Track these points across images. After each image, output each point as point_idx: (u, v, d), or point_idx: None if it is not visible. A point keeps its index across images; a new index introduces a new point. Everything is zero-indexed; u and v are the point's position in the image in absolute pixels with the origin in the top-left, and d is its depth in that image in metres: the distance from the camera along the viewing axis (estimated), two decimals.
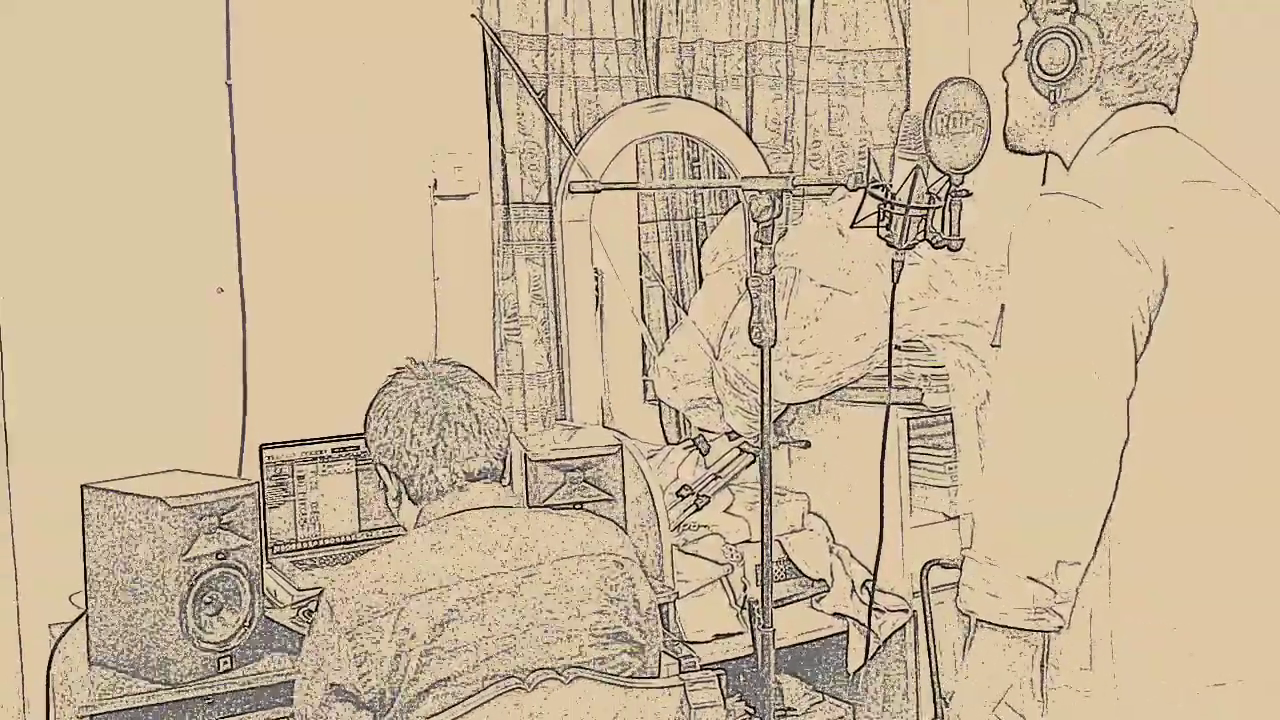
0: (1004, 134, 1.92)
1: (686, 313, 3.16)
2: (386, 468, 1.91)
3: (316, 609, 1.81)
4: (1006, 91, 1.91)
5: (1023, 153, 1.91)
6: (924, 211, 2.04)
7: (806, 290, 2.86)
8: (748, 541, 2.84)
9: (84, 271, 2.55)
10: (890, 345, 2.32)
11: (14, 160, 2.49)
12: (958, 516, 2.95)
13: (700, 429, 3.10)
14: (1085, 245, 1.70)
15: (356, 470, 2.62)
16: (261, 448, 2.55)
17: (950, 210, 2.04)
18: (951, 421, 2.88)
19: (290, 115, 2.71)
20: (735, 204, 3.19)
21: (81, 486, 2.26)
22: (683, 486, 2.91)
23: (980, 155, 2.02)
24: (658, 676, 1.91)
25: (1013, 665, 1.73)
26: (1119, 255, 1.68)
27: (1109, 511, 1.70)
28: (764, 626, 2.15)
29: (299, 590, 2.41)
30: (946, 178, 2.02)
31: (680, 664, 2.47)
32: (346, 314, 2.77)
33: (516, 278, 2.96)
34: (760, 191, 2.11)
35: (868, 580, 2.84)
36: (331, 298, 2.76)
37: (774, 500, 2.17)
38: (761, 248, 2.10)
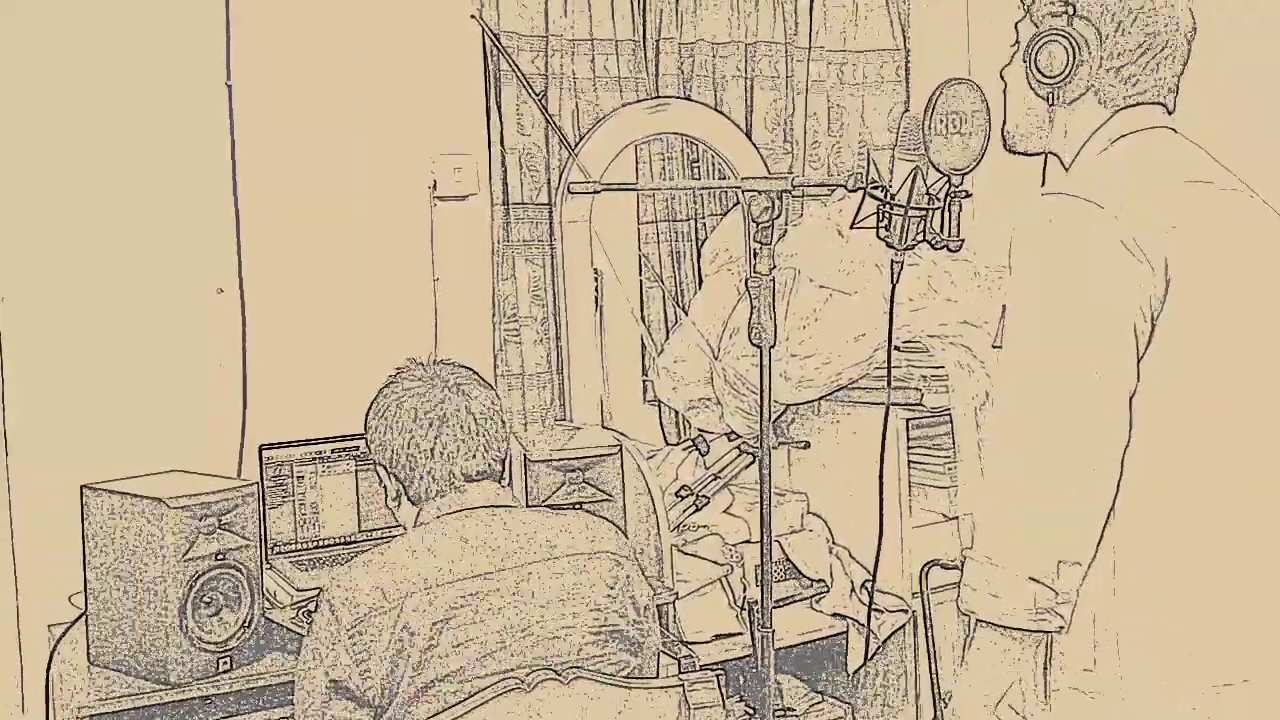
0: (1003, 136, 1.93)
1: (686, 313, 3.16)
2: (385, 468, 1.92)
3: (316, 608, 1.81)
4: (1005, 92, 1.91)
5: (1022, 154, 1.91)
6: (923, 212, 2.04)
7: (806, 291, 2.86)
8: (747, 542, 2.84)
9: (84, 272, 2.55)
10: (890, 346, 2.31)
11: (14, 161, 2.49)
12: (957, 517, 2.95)
13: (700, 429, 3.10)
14: (1088, 245, 1.70)
15: (356, 471, 2.62)
16: (261, 448, 2.55)
17: (949, 211, 2.04)
18: (951, 422, 2.88)
19: (290, 116, 2.71)
20: (735, 205, 3.19)
21: (81, 487, 2.26)
22: (682, 487, 2.91)
23: (980, 156, 2.01)
24: (656, 676, 1.91)
25: (1013, 666, 1.73)
26: (1121, 255, 1.68)
27: (1111, 512, 1.70)
28: (763, 627, 2.15)
29: (298, 591, 2.41)
30: (946, 178, 2.02)
31: (680, 664, 2.48)
32: (346, 315, 2.77)
33: (516, 278, 2.96)
34: (760, 192, 2.11)
35: (867, 580, 2.84)
36: (331, 298, 2.77)
37: (773, 501, 2.17)
38: (761, 248, 2.10)
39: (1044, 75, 1.82)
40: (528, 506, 2.46)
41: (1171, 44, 1.80)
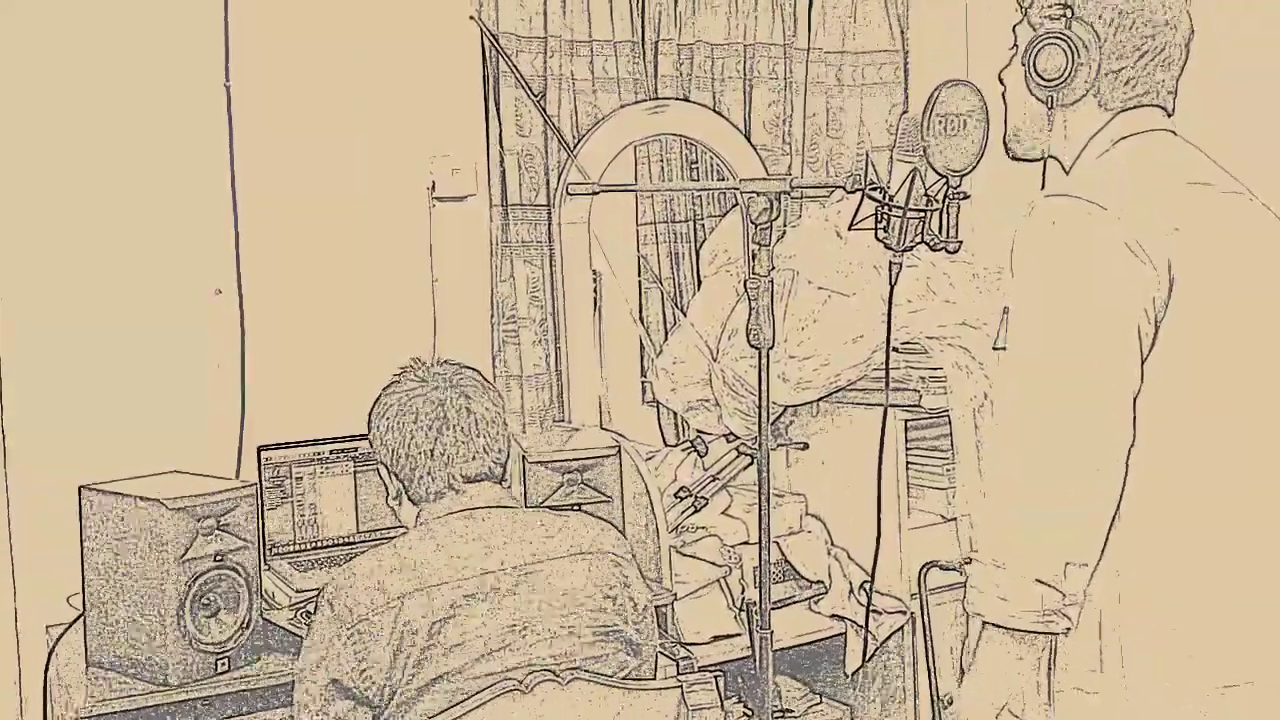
0: (1004, 143, 1.93)
1: (685, 315, 3.16)
2: (387, 467, 1.92)
3: (316, 607, 1.82)
4: (1004, 95, 1.91)
5: (1023, 160, 1.91)
6: (922, 214, 2.04)
7: (804, 292, 2.86)
8: (746, 543, 2.84)
9: (82, 273, 2.55)
10: (888, 347, 2.31)
11: (13, 161, 2.49)
12: (955, 518, 2.95)
13: (698, 431, 3.10)
14: (1091, 247, 1.70)
15: (355, 472, 2.62)
16: (260, 449, 2.55)
17: (948, 212, 2.04)
18: (949, 423, 2.88)
19: (289, 117, 2.71)
20: (733, 206, 3.19)
21: (80, 488, 2.26)
22: (681, 488, 2.91)
23: (978, 157, 2.01)
24: (655, 678, 1.91)
25: (1019, 669, 1.73)
26: (1124, 256, 1.68)
27: (1116, 513, 1.70)
28: (762, 628, 2.15)
29: (297, 592, 2.41)
30: (944, 180, 2.02)
31: (678, 665, 2.48)
32: (345, 316, 2.77)
33: (515, 279, 2.96)
34: (758, 193, 2.11)
35: (865, 582, 2.84)
36: (330, 299, 2.77)
37: (772, 502, 2.17)
38: (759, 250, 2.10)
39: (1043, 79, 1.82)
40: (527, 508, 2.47)
41: (1170, 46, 1.80)
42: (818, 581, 2.86)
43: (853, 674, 2.89)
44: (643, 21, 3.11)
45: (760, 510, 2.15)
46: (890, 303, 2.16)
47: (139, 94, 2.57)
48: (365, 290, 2.80)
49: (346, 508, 2.61)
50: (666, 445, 3.20)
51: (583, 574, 1.84)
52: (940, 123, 1.98)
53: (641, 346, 3.23)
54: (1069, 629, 1.70)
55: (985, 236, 2.60)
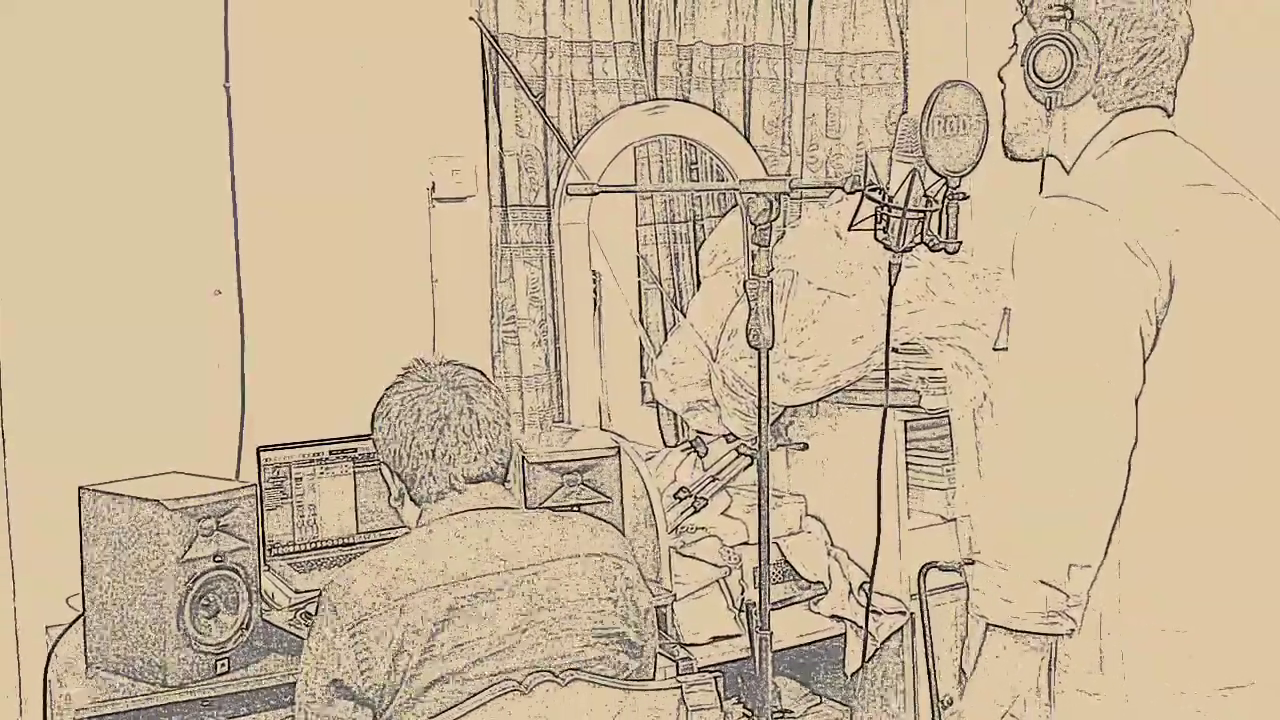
0: (1003, 143, 1.93)
1: (684, 315, 3.16)
2: (389, 468, 1.92)
3: (317, 608, 1.82)
4: (1003, 94, 1.91)
5: (1021, 159, 1.91)
6: (921, 214, 2.04)
7: (804, 293, 2.86)
8: (745, 544, 2.84)
9: (82, 273, 2.55)
10: (887, 348, 2.31)
11: (13, 162, 2.49)
12: (955, 519, 2.95)
13: (698, 431, 3.10)
14: (1092, 248, 1.70)
15: (354, 472, 2.61)
16: (259, 450, 2.55)
17: (947, 213, 2.04)
18: (949, 424, 2.88)
19: (288, 118, 2.71)
20: (733, 206, 3.19)
21: (79, 488, 2.26)
22: (680, 489, 2.91)
23: (977, 158, 2.01)
24: (654, 678, 1.91)
25: (1023, 670, 1.73)
26: (1125, 257, 1.68)
27: (1119, 514, 1.70)
28: (761, 629, 2.15)
29: (296, 592, 2.41)
30: (943, 180, 2.02)
31: (678, 666, 2.48)
32: (344, 316, 2.77)
33: (514, 280, 2.96)
34: (758, 194, 2.11)
35: (865, 582, 2.84)
36: (329, 300, 2.76)
37: (771, 502, 2.17)
38: (759, 250, 2.10)
39: (1042, 80, 1.82)
40: (529, 509, 2.47)
41: (1169, 48, 1.80)
42: (817, 582, 2.86)
43: (852, 674, 2.89)
44: (642, 22, 3.11)
45: (760, 511, 2.15)
46: (890, 303, 2.16)
47: (139, 95, 2.57)
48: (365, 291, 2.80)
49: (346, 508, 2.61)
50: (666, 446, 3.20)
51: (585, 576, 1.84)
52: (939, 123, 1.98)
53: (641, 347, 3.23)
54: (1072, 630, 1.70)
55: (985, 237, 2.60)
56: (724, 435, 3.06)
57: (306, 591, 2.41)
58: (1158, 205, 1.73)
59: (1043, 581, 1.68)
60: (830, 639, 2.86)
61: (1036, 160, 1.90)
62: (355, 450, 2.61)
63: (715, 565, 2.77)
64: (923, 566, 2.48)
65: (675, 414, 3.18)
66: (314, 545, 2.58)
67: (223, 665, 2.22)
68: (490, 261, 2.95)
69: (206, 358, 2.66)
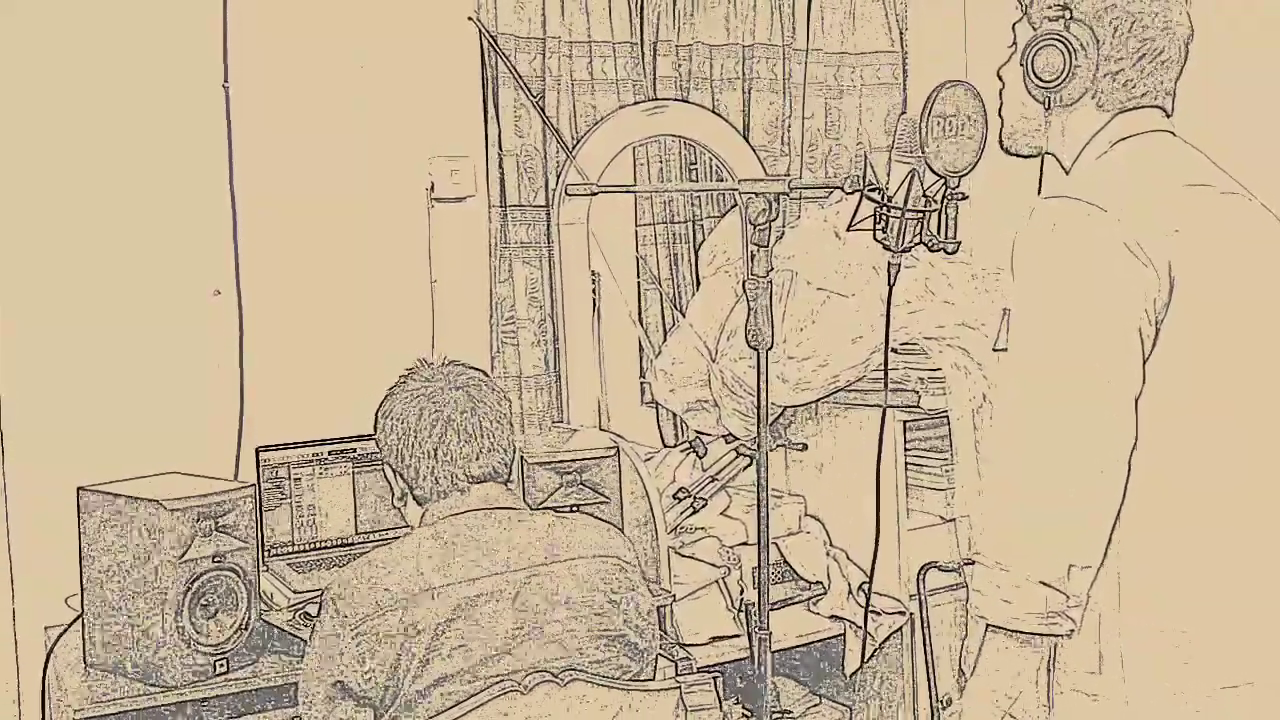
0: (1000, 137, 1.93)
1: (683, 315, 3.16)
2: (392, 468, 1.92)
3: (320, 607, 1.82)
4: (1001, 92, 1.91)
5: (1017, 155, 1.91)
6: (920, 214, 2.04)
7: (803, 293, 2.86)
8: (745, 544, 2.84)
9: (81, 273, 2.55)
10: (887, 348, 2.31)
11: (12, 162, 2.49)
12: (954, 519, 2.95)
13: (697, 431, 3.10)
14: (1091, 248, 1.70)
15: (353, 473, 2.61)
16: (258, 450, 2.55)
17: (946, 213, 2.04)
18: (948, 424, 2.88)
19: (287, 118, 2.71)
20: (732, 206, 3.19)
21: (78, 489, 2.26)
22: (679, 489, 2.91)
23: (976, 158, 2.01)
24: (654, 679, 1.91)
25: (1023, 671, 1.73)
26: (1125, 258, 1.68)
27: (1118, 514, 1.70)
28: (760, 629, 2.15)
29: (295, 593, 2.41)
30: (942, 181, 2.02)
31: (677, 666, 2.47)
32: (344, 317, 2.77)
33: (514, 280, 2.96)
34: (757, 194, 2.11)
35: (864, 583, 2.84)
36: (329, 300, 2.76)
37: (771, 503, 2.17)
38: (758, 250, 2.10)
39: (1041, 80, 1.82)
40: (532, 509, 2.47)
41: (1168, 48, 1.80)
42: (816, 582, 2.86)
43: (852, 675, 2.89)
44: (641, 22, 3.11)
45: (759, 511, 2.15)
46: (889, 303, 2.16)
47: (138, 95, 2.57)
48: (364, 291, 2.80)
49: (345, 509, 2.61)
50: (665, 446, 3.20)
51: (587, 577, 1.84)
52: (939, 123, 1.98)
53: (640, 347, 3.23)
54: (1072, 631, 1.70)
55: (984, 237, 2.60)
56: (723, 436, 3.06)
57: (305, 592, 2.41)
58: (1157, 205, 1.73)
59: (1042, 582, 1.68)
60: (830, 639, 2.86)
61: (1033, 156, 1.90)
62: (354, 450, 2.61)
63: (714, 565, 2.77)
64: (922, 567, 2.48)
65: (674, 414, 3.17)
66: (313, 546, 2.58)
67: (221, 666, 2.22)
68: (489, 262, 2.95)
69: (206, 358, 2.66)
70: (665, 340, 3.18)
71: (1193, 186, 1.77)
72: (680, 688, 1.85)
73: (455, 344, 2.86)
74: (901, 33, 3.44)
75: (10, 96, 2.49)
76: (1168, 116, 1.84)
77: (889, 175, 2.04)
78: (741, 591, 2.77)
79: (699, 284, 3.16)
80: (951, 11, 3.46)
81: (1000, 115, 1.92)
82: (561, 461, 2.53)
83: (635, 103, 3.08)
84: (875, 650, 2.84)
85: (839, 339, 2.82)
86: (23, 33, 2.50)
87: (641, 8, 3.10)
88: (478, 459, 1.89)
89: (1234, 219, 1.78)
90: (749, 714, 2.88)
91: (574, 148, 2.99)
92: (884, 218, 2.05)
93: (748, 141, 3.21)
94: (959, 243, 2.06)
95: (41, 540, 2.43)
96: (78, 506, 2.25)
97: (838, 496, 2.94)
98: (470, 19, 2.89)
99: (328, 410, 2.55)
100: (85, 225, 2.55)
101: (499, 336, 2.96)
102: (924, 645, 2.53)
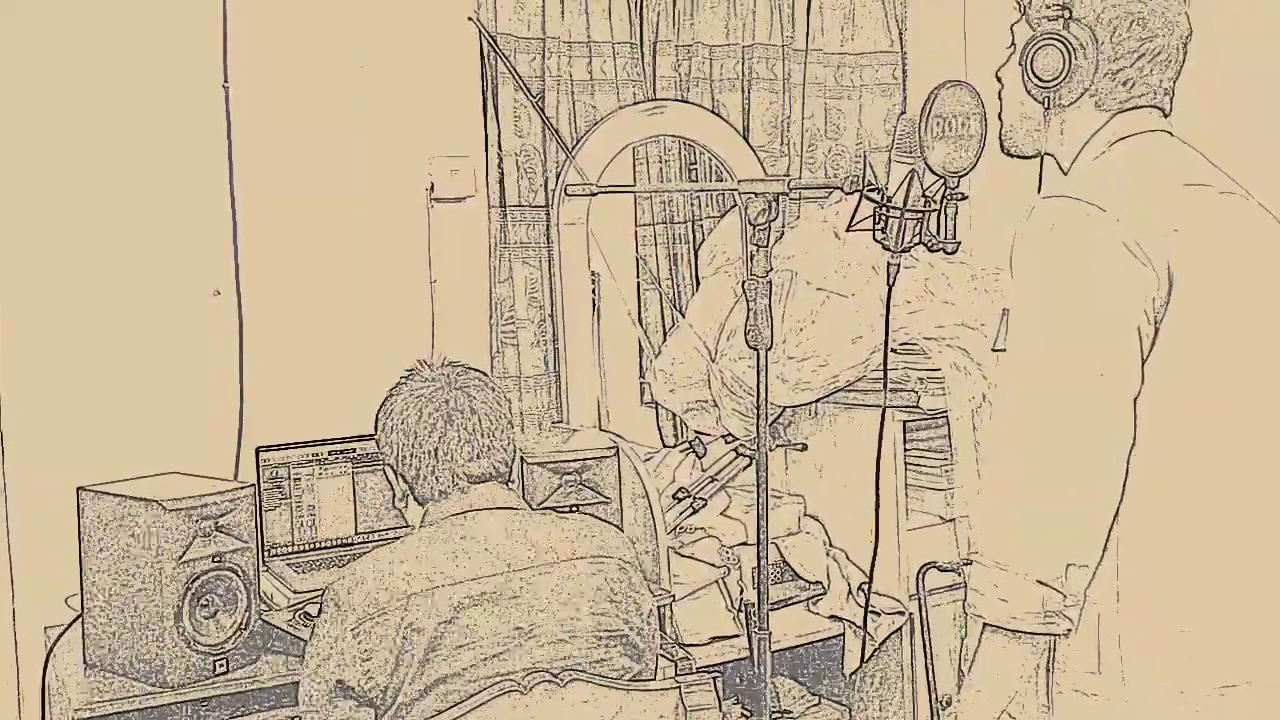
0: (999, 138, 1.93)
1: (683, 316, 3.16)
2: (393, 469, 1.93)
3: (321, 607, 1.82)
4: (1000, 94, 1.91)
5: (1016, 156, 1.92)
6: (920, 215, 2.04)
7: (803, 293, 2.86)
8: (744, 544, 2.84)
9: (81, 273, 2.55)
10: (886, 348, 2.32)
11: (12, 162, 2.49)
12: (954, 519, 2.95)
13: (697, 431, 3.10)
14: (1090, 248, 1.70)
15: (353, 473, 2.62)
16: (258, 450, 2.55)
17: (946, 213, 2.05)
18: (948, 424, 2.88)
19: (287, 118, 2.72)
20: (732, 207, 3.19)
21: (78, 489, 2.26)
22: (679, 489, 2.91)
23: (976, 158, 2.02)
24: (654, 679, 1.91)
25: (1021, 671, 1.73)
26: (1124, 257, 1.68)
27: (1117, 513, 1.70)
28: (760, 629, 2.15)
29: (295, 593, 2.41)
30: (942, 181, 2.02)
31: (677, 666, 2.47)
32: (343, 317, 2.77)
33: (513, 280, 2.96)
34: (757, 194, 2.12)
35: (864, 583, 2.84)
36: (328, 300, 2.77)
37: (770, 503, 2.17)
38: (758, 251, 2.10)
39: (1040, 79, 1.82)
40: (532, 509, 2.47)
41: (1167, 48, 1.80)
42: (816, 582, 2.86)
43: (851, 675, 2.89)
44: (641, 22, 3.11)
45: (759, 511, 2.15)
46: (888, 303, 2.16)
47: (138, 95, 2.57)
48: (364, 291, 2.80)
49: (345, 509, 2.61)
50: (665, 446, 3.20)
51: (588, 577, 1.84)
52: (938, 124, 1.98)
53: (640, 347, 3.23)
54: (1070, 630, 1.70)
55: (983, 237, 2.60)
56: (723, 436, 3.06)
57: (305, 592, 2.41)
58: (1156, 205, 1.73)
59: (1040, 581, 1.68)
60: (829, 639, 2.86)
61: (1033, 157, 1.90)
62: (354, 451, 2.61)
63: (714, 565, 2.77)
64: (922, 567, 2.48)
65: (674, 414, 3.18)
66: (313, 546, 2.58)
67: (221, 666, 2.22)
68: (489, 262, 2.95)
69: (205, 358, 2.66)
70: (665, 340, 3.18)
71: (1191, 186, 1.78)
72: (680, 688, 1.85)
73: (455, 344, 2.86)
74: (901, 33, 3.44)
75: (10, 96, 2.49)
76: (1166, 116, 1.84)
77: (889, 175, 2.05)
78: (741, 591, 2.77)
79: (699, 284, 3.16)
80: (951, 12, 3.46)
81: (999, 116, 1.92)
82: (561, 461, 2.53)
83: (635, 103, 3.08)
84: (875, 650, 2.84)
85: (838, 339, 2.82)
86: (23, 33, 2.50)
87: (641, 8, 3.10)
88: (478, 459, 1.89)
89: (1232, 218, 1.79)
90: (749, 714, 2.88)
91: (574, 148, 2.99)
92: (883, 218, 2.06)
93: (747, 142, 3.21)
94: (958, 243, 2.06)
95: (41, 540, 2.43)
96: (78, 506, 2.25)
97: (838, 496, 2.94)
98: (470, 19, 2.89)
99: (328, 410, 2.55)
100: (85, 225, 2.55)
101: (499, 337, 2.96)
102: (924, 645, 2.53)
